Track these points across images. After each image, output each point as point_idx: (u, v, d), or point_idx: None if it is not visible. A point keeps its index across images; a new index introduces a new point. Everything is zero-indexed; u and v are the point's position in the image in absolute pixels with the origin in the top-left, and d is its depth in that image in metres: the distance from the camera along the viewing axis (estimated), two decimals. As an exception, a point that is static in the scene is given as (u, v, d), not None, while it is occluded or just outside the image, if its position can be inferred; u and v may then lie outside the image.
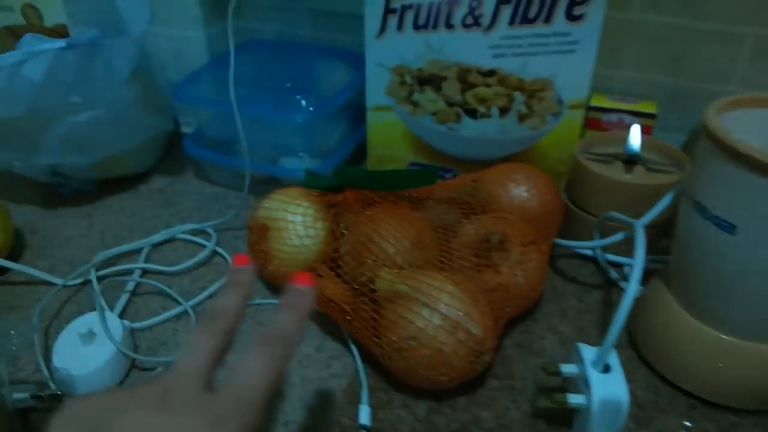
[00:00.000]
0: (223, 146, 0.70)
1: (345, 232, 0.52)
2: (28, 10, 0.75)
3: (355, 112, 0.72)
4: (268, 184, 0.68)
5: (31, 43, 0.54)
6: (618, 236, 0.52)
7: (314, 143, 0.67)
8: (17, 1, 0.74)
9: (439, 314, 0.42)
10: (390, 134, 0.69)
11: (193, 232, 0.64)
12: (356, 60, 0.72)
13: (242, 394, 0.27)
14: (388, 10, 0.62)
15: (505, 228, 0.50)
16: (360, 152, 0.72)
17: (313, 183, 0.59)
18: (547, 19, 0.56)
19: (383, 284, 0.46)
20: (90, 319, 0.50)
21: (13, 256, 0.61)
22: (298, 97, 0.64)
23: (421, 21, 0.61)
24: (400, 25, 0.62)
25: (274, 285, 0.56)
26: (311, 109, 0.64)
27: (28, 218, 0.67)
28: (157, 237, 0.63)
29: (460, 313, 0.42)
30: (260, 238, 0.53)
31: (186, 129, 0.84)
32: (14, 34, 0.77)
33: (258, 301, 0.55)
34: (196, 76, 0.70)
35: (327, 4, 0.72)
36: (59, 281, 0.57)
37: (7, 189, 0.72)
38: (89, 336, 0.47)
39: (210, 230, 0.64)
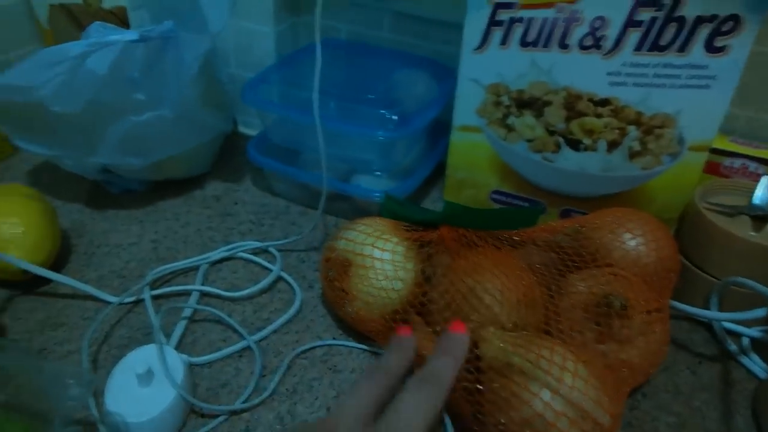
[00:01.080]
0: (289, 154, 0.64)
1: (439, 276, 0.45)
2: (87, -12, 0.69)
3: (435, 128, 0.65)
4: (335, 200, 0.62)
5: (99, 32, 0.48)
6: (758, 312, 0.45)
7: (393, 162, 0.60)
8: (76, -22, 0.68)
9: (562, 399, 0.36)
10: (474, 157, 0.62)
11: (254, 251, 0.58)
12: (441, 71, 0.66)
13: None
14: (493, 23, 0.55)
15: (625, 290, 0.44)
16: (436, 172, 0.66)
17: (394, 211, 0.53)
18: (682, 49, 0.49)
19: (491, 350, 0.39)
20: (147, 354, 0.44)
21: (59, 262, 0.55)
22: (383, 111, 0.58)
23: (531, 37, 0.54)
24: (504, 40, 0.55)
25: (351, 326, 0.49)
26: (395, 125, 0.57)
27: (74, 218, 0.61)
28: (216, 254, 0.57)
29: (588, 399, 0.36)
30: (341, 274, 0.47)
31: (243, 129, 0.78)
32: (70, 13, 0.72)
33: (329, 341, 0.49)
34: (266, 75, 0.64)
35: (416, 8, 0.65)
36: (111, 299, 0.51)
37: (50, 183, 0.66)
38: (147, 376, 0.41)
39: (273, 251, 0.58)
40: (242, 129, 0.78)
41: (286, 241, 0.58)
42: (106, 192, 0.65)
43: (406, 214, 0.52)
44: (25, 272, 0.51)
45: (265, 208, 0.65)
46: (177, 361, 0.44)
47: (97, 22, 0.49)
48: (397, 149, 0.60)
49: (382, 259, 0.46)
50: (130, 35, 0.47)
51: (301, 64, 0.67)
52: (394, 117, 0.57)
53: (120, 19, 0.68)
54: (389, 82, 0.66)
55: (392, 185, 0.61)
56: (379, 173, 0.61)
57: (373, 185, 0.60)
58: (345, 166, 0.62)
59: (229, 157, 0.73)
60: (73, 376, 0.35)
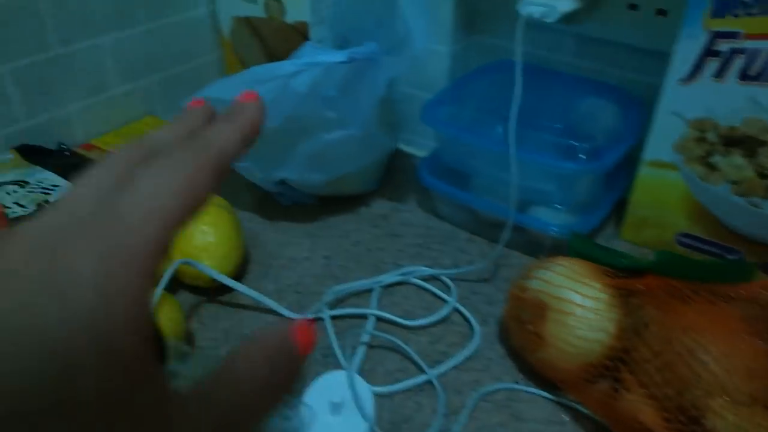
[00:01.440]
0: (458, 177, 0.62)
1: (650, 332, 0.41)
2: (271, 3, 0.70)
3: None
4: (503, 230, 0.60)
5: (310, 53, 0.48)
6: None
7: (575, 196, 0.57)
8: (263, -8, 0.70)
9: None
10: (664, 195, 0.58)
11: (426, 277, 0.57)
12: (629, 101, 0.61)
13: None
14: (709, 53, 0.50)
15: None
16: (615, 207, 0.62)
17: (580, 250, 0.50)
18: None
19: (726, 428, 0.35)
20: (337, 381, 0.43)
21: (239, 271, 0.56)
22: (573, 142, 0.55)
23: (754, 71, 0.49)
24: (720, 72, 0.50)
25: (537, 371, 0.47)
26: (587, 158, 0.54)
27: (249, 228, 0.63)
28: (388, 278, 0.56)
29: None
30: (536, 318, 0.44)
31: (403, 147, 0.77)
32: (252, 26, 0.74)
33: (512, 385, 0.47)
34: (445, 95, 0.63)
35: (606, 32, 0.61)
36: (292, 315, 0.52)
37: (226, 188, 0.68)
38: (339, 404, 0.41)
39: (446, 280, 0.56)
40: (402, 146, 0.77)
41: (460, 270, 0.57)
42: (276, 203, 0.66)
43: (597, 256, 0.48)
44: (213, 280, 0.52)
45: (432, 232, 0.63)
46: (367, 392, 0.43)
47: (309, 42, 0.49)
48: (582, 183, 0.56)
49: (584, 306, 0.43)
50: (339, 56, 0.47)
51: (480, 86, 0.65)
52: (585, 149, 0.54)
53: (301, 33, 0.70)
54: (572, 110, 0.62)
55: (571, 220, 0.58)
56: (558, 206, 0.58)
57: (550, 218, 0.57)
58: (519, 195, 0.59)
59: (392, 175, 0.72)
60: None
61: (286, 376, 0.21)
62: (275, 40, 0.73)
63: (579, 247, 0.51)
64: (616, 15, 0.59)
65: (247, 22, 0.74)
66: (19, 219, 0.54)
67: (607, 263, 0.47)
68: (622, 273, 0.45)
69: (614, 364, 0.41)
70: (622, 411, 0.40)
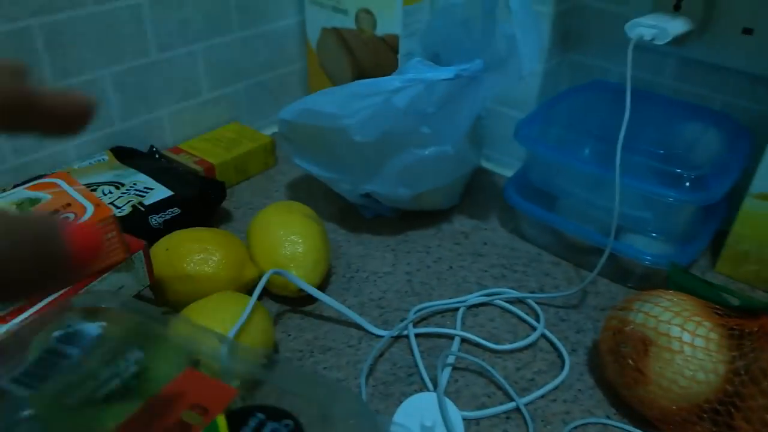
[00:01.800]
0: (545, 198, 0.61)
1: (766, 376, 0.39)
2: (363, 15, 0.71)
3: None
4: (590, 254, 0.58)
5: (416, 69, 0.48)
6: None
7: (675, 226, 0.54)
8: (354, 4, 0.71)
9: None
10: (769, 230, 0.55)
11: (511, 300, 0.56)
12: (734, 128, 0.59)
13: None
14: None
15: None
16: (713, 239, 0.59)
17: (681, 284, 0.47)
18: None
19: None
20: (426, 403, 0.42)
21: (322, 282, 0.56)
22: (677, 170, 0.52)
23: None
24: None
25: (632, 407, 0.45)
26: (692, 188, 0.52)
27: (332, 239, 0.63)
28: (473, 298, 0.55)
29: None
30: (638, 353, 0.42)
31: (485, 164, 0.76)
32: (341, 37, 0.74)
33: (605, 420, 0.45)
34: (538, 114, 0.61)
35: (715, 56, 0.59)
36: (377, 332, 0.51)
37: (306, 199, 0.69)
38: (430, 429, 0.40)
39: (533, 304, 0.55)
40: (484, 164, 0.76)
41: (547, 295, 0.55)
42: (359, 216, 0.66)
43: (701, 291, 0.46)
44: (299, 291, 0.52)
45: (516, 253, 0.62)
46: (457, 417, 0.42)
47: (417, 59, 0.49)
48: (683, 213, 0.54)
49: (694, 345, 0.40)
50: (447, 73, 0.47)
51: (571, 106, 0.64)
52: (692, 177, 0.52)
53: (390, 46, 0.70)
54: (672, 135, 0.60)
55: (667, 250, 0.55)
56: (654, 235, 0.56)
57: (644, 247, 0.55)
58: (609, 219, 0.57)
59: (473, 191, 0.71)
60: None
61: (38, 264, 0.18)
62: (363, 52, 0.73)
63: (680, 280, 0.48)
64: (728, 39, 0.56)
65: (336, 33, 0.75)
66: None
67: (715, 300, 0.45)
68: (733, 312, 0.43)
69: (726, 409, 0.39)
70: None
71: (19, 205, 0.42)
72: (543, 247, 0.63)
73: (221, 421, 0.28)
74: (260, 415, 0.28)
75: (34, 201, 0.43)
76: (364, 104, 0.47)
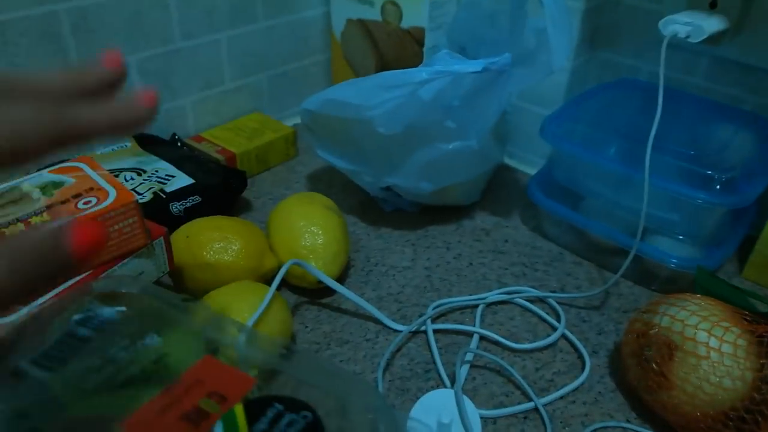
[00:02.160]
0: (568, 197, 0.60)
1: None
2: (389, 6, 0.70)
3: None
4: (614, 255, 0.57)
5: (444, 60, 0.47)
6: None
7: (703, 229, 0.53)
8: (380, -4, 0.70)
9: None
10: (800, 236, 0.53)
11: (531, 298, 0.55)
12: (766, 130, 0.57)
13: None
14: None
15: None
16: (741, 244, 0.58)
17: (708, 288, 0.46)
18: None
19: None
20: (444, 400, 0.42)
21: (341, 274, 0.56)
22: (707, 171, 0.51)
23: None
24: None
25: (654, 412, 0.44)
26: (722, 190, 0.50)
27: (351, 231, 0.63)
28: (492, 296, 0.54)
29: None
30: (663, 357, 0.41)
31: (508, 161, 0.75)
32: (366, 29, 0.74)
33: (625, 424, 0.44)
34: (565, 111, 0.60)
35: (750, 56, 0.57)
36: (396, 326, 0.51)
37: (327, 191, 0.69)
38: (447, 426, 0.39)
39: (554, 303, 0.54)
40: (507, 161, 0.75)
41: (569, 295, 0.54)
42: (379, 209, 0.66)
43: (729, 296, 0.45)
44: (318, 282, 0.52)
45: (537, 252, 0.61)
46: (475, 415, 0.41)
47: (445, 51, 0.48)
48: (712, 216, 0.53)
49: (722, 351, 0.39)
50: (475, 66, 0.46)
51: (598, 104, 0.62)
52: (723, 179, 0.50)
53: (416, 39, 0.69)
54: (702, 135, 0.58)
55: (694, 253, 0.54)
56: (680, 237, 0.54)
57: (671, 250, 0.54)
58: (637, 221, 0.56)
59: (494, 188, 0.70)
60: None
61: (43, 271, 0.19)
62: (388, 44, 0.72)
63: (707, 284, 0.47)
64: (763, 38, 0.55)
65: (361, 24, 0.74)
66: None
67: (744, 306, 0.43)
68: (762, 319, 0.42)
69: (753, 417, 0.38)
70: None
71: (43, 188, 0.42)
72: (565, 247, 0.62)
73: (239, 410, 0.28)
74: (278, 406, 0.28)
75: (57, 184, 0.43)
76: (390, 96, 0.46)
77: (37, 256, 0.19)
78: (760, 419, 0.38)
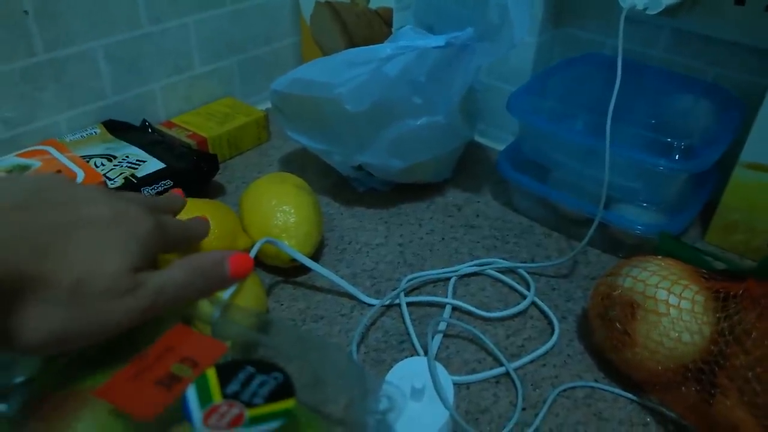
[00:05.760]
0: (537, 170, 0.61)
1: (752, 338, 0.39)
2: (356, -12, 0.70)
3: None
4: (582, 225, 0.58)
5: (408, 36, 0.48)
6: None
7: (665, 195, 0.55)
8: (346, -23, 0.70)
9: None
10: (758, 200, 0.55)
11: (503, 269, 0.56)
12: (725, 99, 0.59)
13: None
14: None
15: None
16: (704, 209, 0.59)
17: (671, 252, 0.48)
18: None
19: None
20: (417, 367, 0.43)
21: (316, 254, 0.57)
22: (668, 139, 0.52)
23: None
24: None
25: (620, 371, 0.45)
26: (682, 157, 0.52)
27: (325, 212, 0.63)
28: (465, 268, 0.55)
29: None
30: (626, 316, 0.43)
31: (478, 138, 0.76)
32: (334, 11, 0.74)
33: (593, 384, 0.45)
34: (531, 87, 0.61)
35: (708, 27, 0.59)
36: (369, 300, 0.52)
37: (300, 173, 0.69)
38: (421, 391, 0.40)
39: (524, 273, 0.55)
40: (478, 138, 0.76)
41: (538, 265, 0.55)
42: (352, 189, 0.66)
43: (689, 257, 0.46)
44: (291, 261, 0.52)
45: (508, 225, 0.62)
46: (447, 380, 0.42)
47: (409, 27, 0.49)
48: (674, 182, 0.54)
49: (680, 307, 0.41)
50: (438, 41, 0.47)
51: (564, 79, 0.64)
52: (681, 147, 0.52)
53: (384, 19, 0.70)
54: (664, 106, 0.60)
55: (658, 220, 0.56)
56: (644, 205, 0.56)
57: (635, 217, 0.55)
58: (600, 190, 0.57)
59: (466, 165, 0.71)
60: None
61: (210, 285, 0.32)
62: (357, 25, 0.73)
63: (669, 247, 0.49)
64: (720, 10, 0.56)
65: (330, 6, 0.74)
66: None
67: (702, 265, 0.45)
68: (719, 276, 0.44)
69: (710, 368, 0.40)
70: (716, 417, 0.38)
71: (10, 171, 0.42)
72: (535, 220, 0.63)
73: (211, 373, 0.28)
74: (250, 368, 0.29)
75: (24, 167, 0.43)
76: (356, 72, 0.47)
77: (205, 272, 0.32)
78: (716, 369, 0.39)
